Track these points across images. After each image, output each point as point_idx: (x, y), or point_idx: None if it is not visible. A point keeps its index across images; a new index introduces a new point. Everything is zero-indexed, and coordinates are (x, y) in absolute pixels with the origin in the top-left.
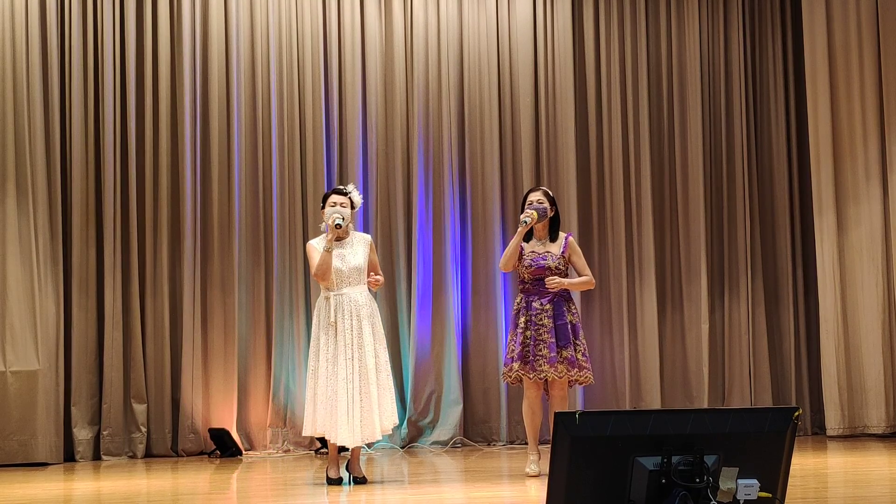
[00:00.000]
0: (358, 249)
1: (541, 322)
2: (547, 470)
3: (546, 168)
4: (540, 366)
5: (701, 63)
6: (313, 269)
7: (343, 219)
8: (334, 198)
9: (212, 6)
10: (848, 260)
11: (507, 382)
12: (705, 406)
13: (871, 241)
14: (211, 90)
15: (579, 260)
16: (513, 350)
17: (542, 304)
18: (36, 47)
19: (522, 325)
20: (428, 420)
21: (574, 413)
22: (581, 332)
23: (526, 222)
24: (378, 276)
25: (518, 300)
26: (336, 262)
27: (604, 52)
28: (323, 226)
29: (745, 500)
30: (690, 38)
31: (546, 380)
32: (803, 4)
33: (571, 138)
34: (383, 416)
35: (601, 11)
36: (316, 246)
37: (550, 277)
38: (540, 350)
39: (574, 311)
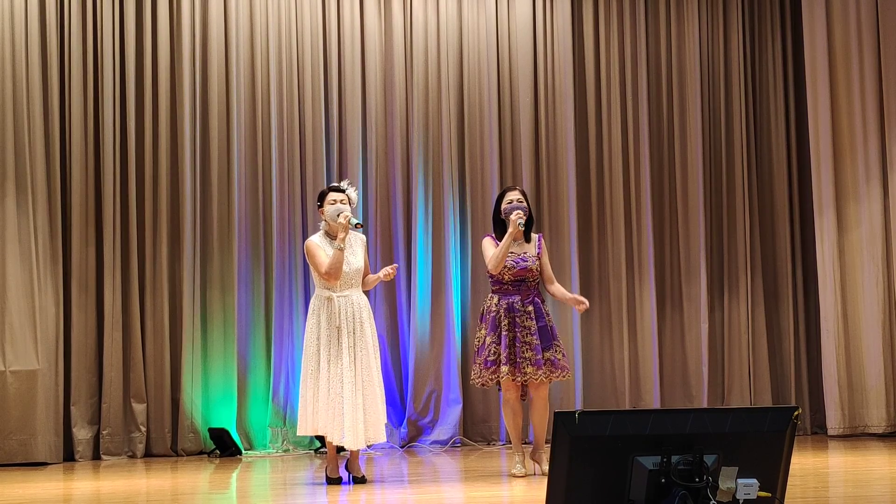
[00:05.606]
0: (357, 250)
1: (525, 324)
2: (533, 470)
3: (546, 168)
4: (524, 368)
5: (701, 63)
6: (323, 268)
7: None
8: (333, 195)
9: (211, 6)
10: (848, 260)
11: (480, 385)
12: (705, 406)
13: (871, 240)
14: (211, 90)
15: (548, 261)
16: (496, 353)
17: (523, 306)
18: (35, 47)
19: (506, 326)
20: (427, 419)
21: (574, 413)
22: (557, 332)
23: (521, 223)
24: (392, 267)
25: (495, 301)
26: None
27: (603, 53)
28: (322, 224)
29: (744, 500)
30: (690, 38)
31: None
32: (803, 4)
33: (571, 138)
34: (382, 417)
35: (601, 12)
36: (319, 244)
37: (581, 303)
38: (524, 352)
39: (549, 311)
